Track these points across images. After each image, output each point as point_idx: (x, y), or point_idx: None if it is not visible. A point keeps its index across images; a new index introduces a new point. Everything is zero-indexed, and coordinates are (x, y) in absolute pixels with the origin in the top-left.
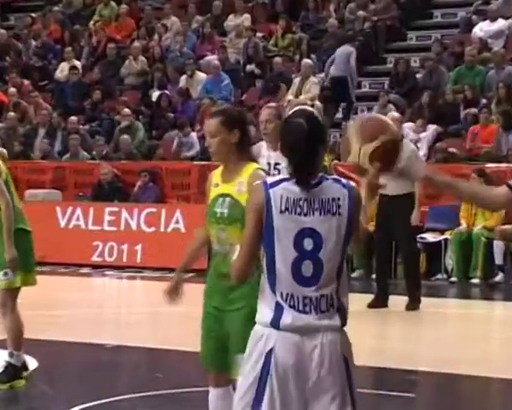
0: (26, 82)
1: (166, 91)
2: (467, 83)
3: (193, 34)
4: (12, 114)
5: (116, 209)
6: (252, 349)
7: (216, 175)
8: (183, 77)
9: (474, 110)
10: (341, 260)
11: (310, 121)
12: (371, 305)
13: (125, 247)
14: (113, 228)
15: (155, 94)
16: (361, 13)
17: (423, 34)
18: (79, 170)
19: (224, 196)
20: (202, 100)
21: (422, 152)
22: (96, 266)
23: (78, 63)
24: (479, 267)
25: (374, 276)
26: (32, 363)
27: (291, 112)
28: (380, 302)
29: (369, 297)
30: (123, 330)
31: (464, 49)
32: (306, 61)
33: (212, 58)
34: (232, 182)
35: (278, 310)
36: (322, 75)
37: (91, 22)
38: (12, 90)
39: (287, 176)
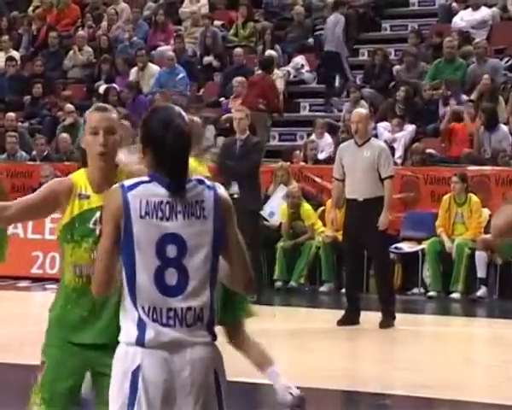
0: None
1: (115, 85)
2: (446, 77)
3: (144, 22)
4: None
5: (59, 216)
6: (118, 370)
7: None
8: (134, 69)
9: (454, 107)
10: (212, 270)
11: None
12: (341, 322)
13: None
14: (53, 238)
15: (102, 88)
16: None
17: (399, 23)
18: (17, 172)
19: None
20: (155, 95)
21: (398, 153)
22: (36, 279)
23: (16, 54)
24: (460, 281)
25: (344, 290)
26: None
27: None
28: (350, 319)
29: (339, 313)
30: None
31: (443, 41)
32: (270, 52)
33: (166, 49)
34: None
35: (141, 326)
36: (288, 68)
37: (30, 8)
38: None
39: (145, 178)
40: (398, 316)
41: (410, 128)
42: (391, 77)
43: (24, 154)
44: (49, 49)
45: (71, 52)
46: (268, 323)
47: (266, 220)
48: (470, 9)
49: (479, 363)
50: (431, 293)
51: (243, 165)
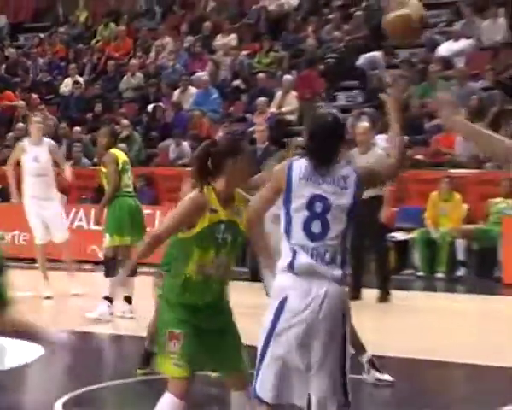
0: (34, 96)
1: (161, 104)
2: (431, 98)
3: (185, 52)
4: (21, 124)
5: None
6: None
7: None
8: (176, 91)
9: (437, 121)
10: (346, 227)
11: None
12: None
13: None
14: None
15: (151, 106)
16: (336, 33)
17: (392, 52)
18: (82, 175)
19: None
20: (193, 112)
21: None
22: (96, 263)
23: (80, 79)
24: (443, 263)
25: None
26: (39, 350)
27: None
28: (354, 295)
29: None
30: (117, 320)
31: (428, 67)
32: (287, 77)
33: (202, 74)
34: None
35: (293, 256)
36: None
37: (93, 42)
38: (21, 103)
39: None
40: (393, 292)
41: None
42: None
43: (87, 160)
44: (107, 75)
45: (125, 77)
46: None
47: None
48: (451, 41)
49: (459, 330)
50: (419, 273)
51: (263, 167)
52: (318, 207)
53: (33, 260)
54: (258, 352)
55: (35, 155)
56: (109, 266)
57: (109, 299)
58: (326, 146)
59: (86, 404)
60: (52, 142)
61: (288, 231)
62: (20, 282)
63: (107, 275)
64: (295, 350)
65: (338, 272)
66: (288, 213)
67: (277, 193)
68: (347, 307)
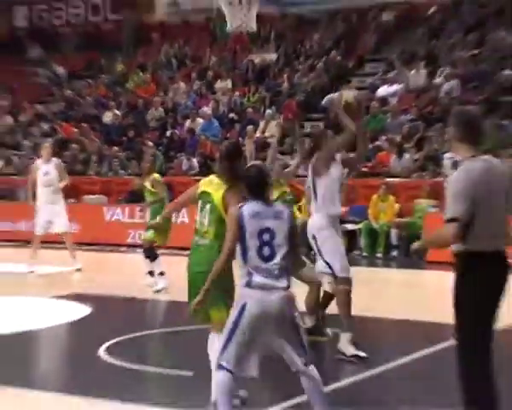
0: (84, 124)
1: (176, 131)
2: (372, 127)
3: (194, 93)
4: (74, 145)
5: (143, 208)
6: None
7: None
8: (188, 121)
9: (378, 143)
10: (289, 249)
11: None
12: None
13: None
14: (142, 220)
15: (169, 132)
16: (304, 79)
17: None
18: (119, 182)
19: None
20: (200, 136)
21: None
22: (129, 246)
23: (118, 112)
24: (381, 246)
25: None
26: (87, 309)
27: (249, 164)
28: None
29: None
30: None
31: (371, 104)
32: (268, 111)
33: (207, 109)
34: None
35: (250, 276)
36: (280, 120)
37: (127, 85)
38: (75, 130)
39: (255, 202)
40: None
41: (350, 155)
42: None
43: (123, 171)
44: (137, 109)
45: (150, 111)
46: None
47: None
48: (387, 85)
49: (392, 294)
50: (364, 254)
51: None
52: (266, 236)
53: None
54: (225, 337)
55: (45, 171)
56: (149, 251)
57: (151, 273)
58: (262, 191)
59: (125, 349)
60: (58, 160)
61: (244, 257)
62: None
63: (148, 257)
64: (253, 337)
65: (284, 284)
66: (243, 244)
67: (239, 230)
68: (293, 304)
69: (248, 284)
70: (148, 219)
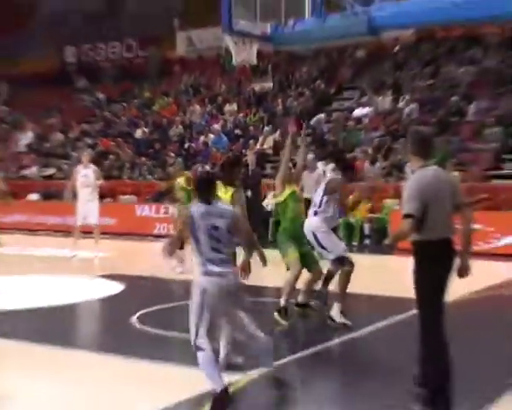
0: (120, 139)
1: (193, 144)
2: (349, 141)
3: (206, 114)
4: (111, 156)
5: (168, 206)
6: (195, 289)
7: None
8: (202, 137)
9: (353, 154)
10: (232, 240)
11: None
12: None
13: (171, 226)
14: (166, 215)
15: (187, 145)
16: (295, 103)
17: (329, 113)
18: (147, 185)
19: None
20: (212, 149)
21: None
22: (155, 236)
23: (146, 129)
24: (357, 236)
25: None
26: (121, 286)
27: (198, 168)
28: None
29: None
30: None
31: (348, 123)
32: (266, 128)
33: (217, 126)
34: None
35: (205, 266)
36: (275, 135)
37: (153, 108)
38: (112, 143)
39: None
40: None
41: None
42: (324, 140)
43: (150, 177)
44: (162, 127)
45: (172, 128)
46: None
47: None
48: (361, 108)
49: (365, 275)
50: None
51: (252, 181)
52: (214, 232)
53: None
54: (195, 321)
55: (84, 174)
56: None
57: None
58: (208, 193)
59: (153, 318)
60: (95, 166)
61: (199, 250)
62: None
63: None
64: (215, 314)
65: (231, 269)
66: (196, 239)
67: (192, 227)
68: (240, 288)
69: (205, 273)
70: (177, 212)
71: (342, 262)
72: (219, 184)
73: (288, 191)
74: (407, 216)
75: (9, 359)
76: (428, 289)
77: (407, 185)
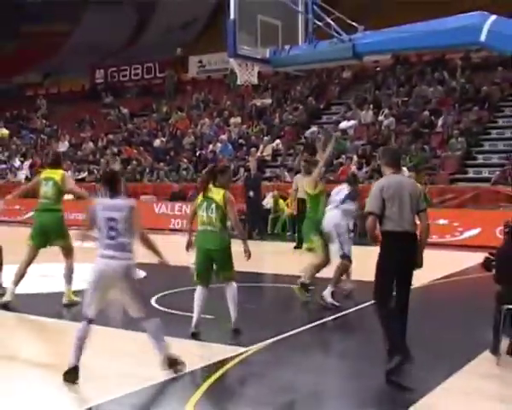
0: (141, 148)
1: (203, 152)
2: (337, 149)
3: (215, 126)
4: (134, 162)
5: (182, 205)
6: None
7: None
8: (210, 145)
9: (339, 161)
10: (129, 230)
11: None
12: (296, 247)
13: (184, 222)
14: (180, 213)
15: (198, 152)
16: (290, 116)
17: (319, 126)
18: (164, 187)
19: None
20: (219, 156)
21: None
22: (171, 230)
23: (163, 139)
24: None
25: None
26: (142, 273)
27: (107, 169)
28: (297, 246)
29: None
30: None
31: (336, 133)
32: (265, 138)
33: (224, 136)
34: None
35: (101, 249)
36: (274, 144)
37: (170, 121)
38: (134, 151)
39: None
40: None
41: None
42: (314, 150)
43: (167, 179)
44: (177, 137)
45: (185, 138)
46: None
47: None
48: (346, 121)
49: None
50: None
51: (254, 183)
52: (111, 223)
53: None
54: (88, 294)
55: None
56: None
57: None
58: (110, 189)
59: (170, 300)
60: None
61: (100, 237)
62: None
63: None
64: (104, 291)
65: (124, 256)
66: (98, 227)
67: (96, 218)
68: (130, 270)
69: (100, 256)
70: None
71: (344, 258)
72: (210, 188)
73: (320, 187)
74: (369, 213)
75: (67, 334)
76: (380, 269)
77: (372, 187)
